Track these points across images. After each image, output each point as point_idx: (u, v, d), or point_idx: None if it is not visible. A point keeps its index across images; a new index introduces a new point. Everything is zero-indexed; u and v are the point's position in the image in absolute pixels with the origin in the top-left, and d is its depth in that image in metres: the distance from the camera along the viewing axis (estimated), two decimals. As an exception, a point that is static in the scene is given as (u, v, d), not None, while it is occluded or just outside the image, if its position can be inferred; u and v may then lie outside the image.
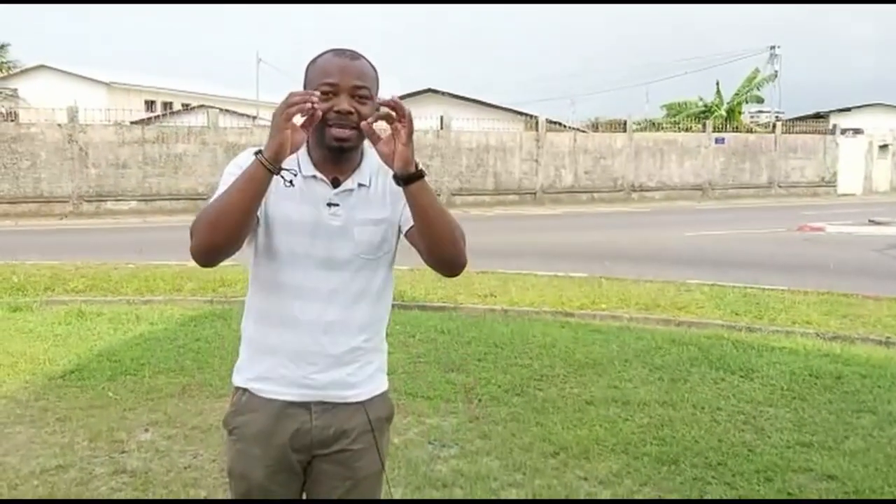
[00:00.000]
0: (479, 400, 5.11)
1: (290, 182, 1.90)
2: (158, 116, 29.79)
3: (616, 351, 6.32)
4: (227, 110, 27.93)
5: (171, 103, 43.78)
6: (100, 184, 21.28)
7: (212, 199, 1.90)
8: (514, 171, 26.22)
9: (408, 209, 1.94)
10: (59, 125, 21.03)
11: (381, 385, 2.14)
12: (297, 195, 1.96)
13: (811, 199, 28.92)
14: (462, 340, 6.60)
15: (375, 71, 2.01)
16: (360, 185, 2.00)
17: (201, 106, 31.77)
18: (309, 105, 1.76)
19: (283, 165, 1.82)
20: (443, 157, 25.06)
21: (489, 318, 7.79)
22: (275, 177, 1.82)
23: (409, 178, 1.84)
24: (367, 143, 2.02)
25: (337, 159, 1.98)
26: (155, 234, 15.77)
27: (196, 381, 5.38)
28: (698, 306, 8.24)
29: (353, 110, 1.90)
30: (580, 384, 5.48)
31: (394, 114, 1.79)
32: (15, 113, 28.57)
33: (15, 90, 37.44)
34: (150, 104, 42.65)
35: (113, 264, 10.38)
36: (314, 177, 1.98)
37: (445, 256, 1.97)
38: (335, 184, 1.98)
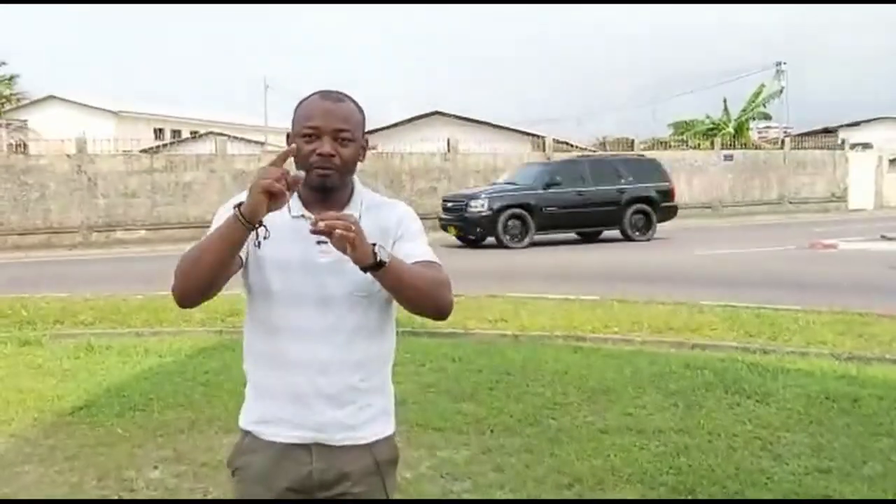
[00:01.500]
0: (492, 430, 5.04)
1: (258, 244, 1.92)
2: (167, 145, 29.98)
3: (629, 376, 6.25)
4: (235, 137, 28.09)
5: (179, 131, 44.15)
6: (109, 213, 21.37)
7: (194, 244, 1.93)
8: (522, 192, 26.18)
9: (398, 249, 1.98)
10: (68, 156, 21.16)
11: (385, 428, 2.12)
12: (287, 235, 1.97)
13: (822, 214, 28.76)
14: (473, 368, 6.53)
15: (362, 112, 2.05)
16: None
17: (209, 133, 32.00)
18: (280, 183, 1.74)
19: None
20: (450, 179, 25.07)
21: (500, 344, 7.72)
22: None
23: (369, 268, 1.83)
24: (357, 181, 2.07)
25: (324, 198, 2.01)
26: (164, 262, 15.64)
27: (205, 416, 5.33)
28: (711, 328, 8.15)
29: (334, 153, 1.96)
30: (594, 412, 5.41)
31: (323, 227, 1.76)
32: (24, 144, 28.80)
33: (24, 121, 37.80)
34: (158, 132, 43.00)
35: (122, 295, 10.37)
36: (303, 216, 1.99)
37: (426, 313, 2.02)
38: None
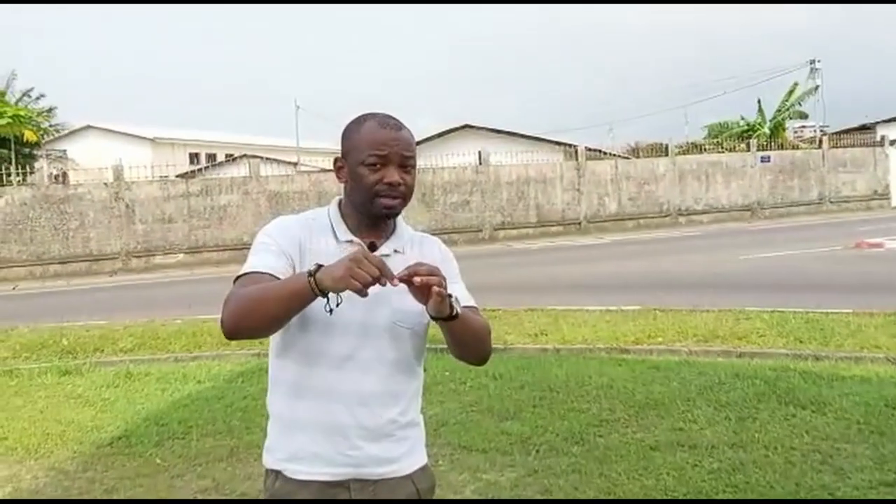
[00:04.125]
0: (537, 451, 4.88)
1: (330, 311, 1.84)
2: (201, 169, 30.25)
3: (677, 389, 6.04)
4: (269, 158, 28.26)
5: (214, 155, 44.63)
6: (147, 239, 21.56)
7: (247, 270, 1.87)
8: (556, 201, 25.99)
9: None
10: (106, 184, 21.41)
11: (421, 458, 2.06)
12: (333, 261, 1.85)
13: (865, 213, 28.13)
14: (515, 385, 6.37)
15: (414, 139, 2.01)
16: (395, 251, 1.97)
17: (244, 156, 32.26)
18: (370, 279, 1.66)
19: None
20: (483, 192, 24.95)
21: (542, 358, 7.54)
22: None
23: (442, 318, 1.83)
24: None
25: (374, 225, 1.97)
26: (202, 286, 15.81)
27: (244, 443, 5.24)
28: (759, 335, 7.90)
29: (402, 181, 1.92)
30: (643, 428, 5.22)
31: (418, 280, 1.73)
32: (65, 174, 29.28)
33: (64, 151, 38.60)
34: (194, 157, 43.50)
35: (161, 321, 10.38)
36: (350, 241, 1.94)
37: (470, 359, 2.04)
38: (371, 248, 1.93)
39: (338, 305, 1.84)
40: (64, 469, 5.01)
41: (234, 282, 1.87)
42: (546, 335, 8.46)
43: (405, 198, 1.95)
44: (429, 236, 2.11)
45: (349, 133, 1.98)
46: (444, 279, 1.73)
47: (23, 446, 5.47)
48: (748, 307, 9.18)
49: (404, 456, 1.99)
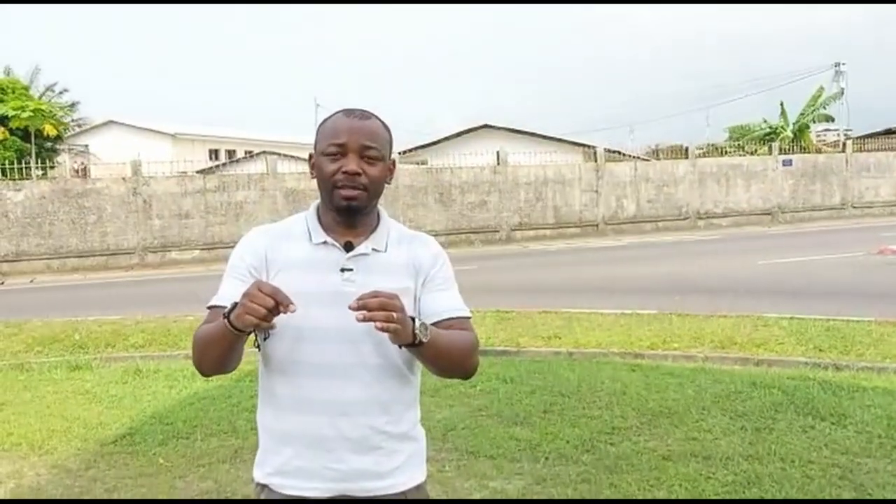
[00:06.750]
0: (546, 458, 4.76)
1: (258, 346, 1.87)
2: (220, 165, 30.31)
3: (692, 397, 5.90)
4: (288, 155, 28.24)
5: (234, 151, 44.80)
6: (164, 234, 21.60)
7: (213, 303, 1.88)
8: (574, 203, 25.80)
9: (431, 295, 1.90)
10: (124, 179, 21.47)
11: (417, 475, 1.95)
12: (307, 264, 1.85)
13: (888, 218, 27.70)
14: (525, 390, 6.25)
15: (388, 131, 1.92)
16: (374, 249, 1.88)
17: (262, 152, 32.29)
18: (270, 319, 1.64)
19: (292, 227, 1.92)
20: (500, 192, 24.81)
21: (554, 362, 7.41)
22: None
23: (408, 345, 1.76)
24: (383, 211, 1.96)
25: (348, 223, 1.88)
26: (216, 282, 15.75)
27: (248, 444, 5.16)
28: (778, 342, 7.74)
29: (360, 171, 1.83)
30: (655, 437, 5.08)
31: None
32: (86, 168, 29.45)
33: (86, 146, 38.84)
34: (213, 153, 43.68)
35: (173, 317, 10.33)
36: (325, 242, 1.87)
37: (452, 378, 1.98)
38: (348, 248, 1.86)
39: (265, 339, 1.83)
40: (67, 467, 4.95)
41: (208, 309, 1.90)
42: (559, 338, 8.34)
43: (367, 190, 1.85)
44: (422, 235, 2.01)
45: (319, 127, 1.94)
46: (400, 310, 1.64)
47: (27, 442, 5.42)
48: (767, 313, 9.02)
49: (397, 471, 1.89)
